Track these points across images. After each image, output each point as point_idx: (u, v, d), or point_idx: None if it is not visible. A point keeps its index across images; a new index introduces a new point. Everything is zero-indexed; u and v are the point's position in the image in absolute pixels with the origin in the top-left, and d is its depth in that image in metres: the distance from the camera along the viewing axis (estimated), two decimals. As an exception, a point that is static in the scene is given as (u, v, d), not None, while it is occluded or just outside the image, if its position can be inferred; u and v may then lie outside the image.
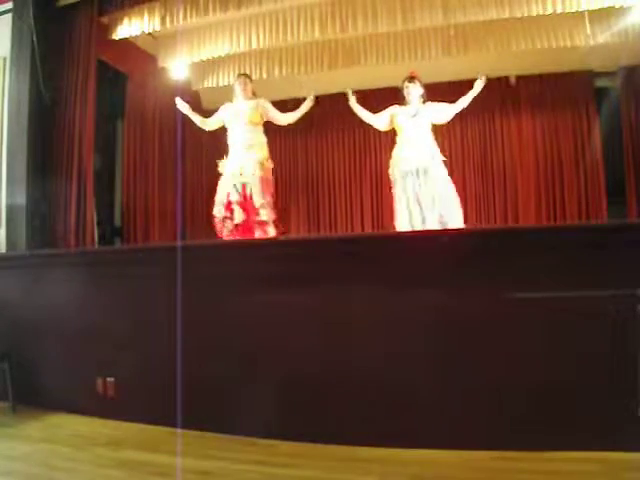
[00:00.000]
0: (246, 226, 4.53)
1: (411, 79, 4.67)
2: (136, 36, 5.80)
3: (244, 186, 4.53)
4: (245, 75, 4.90)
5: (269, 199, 4.59)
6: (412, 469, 2.61)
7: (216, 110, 4.84)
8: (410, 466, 2.64)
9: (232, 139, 4.67)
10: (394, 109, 4.68)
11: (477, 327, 2.83)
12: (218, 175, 4.73)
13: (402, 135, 4.62)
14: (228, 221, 4.55)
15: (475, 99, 4.75)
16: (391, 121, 4.69)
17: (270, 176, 4.70)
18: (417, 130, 4.57)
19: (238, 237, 4.52)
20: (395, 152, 4.65)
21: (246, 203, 4.52)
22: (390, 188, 4.73)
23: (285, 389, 3.12)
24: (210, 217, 4.78)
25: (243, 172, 4.53)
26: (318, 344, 3.09)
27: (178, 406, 3.11)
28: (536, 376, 2.72)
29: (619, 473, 2.40)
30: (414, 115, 4.58)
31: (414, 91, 4.63)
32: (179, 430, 3.16)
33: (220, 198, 4.62)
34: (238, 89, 4.73)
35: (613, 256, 2.70)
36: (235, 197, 4.51)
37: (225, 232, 4.60)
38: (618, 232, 2.89)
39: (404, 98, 4.67)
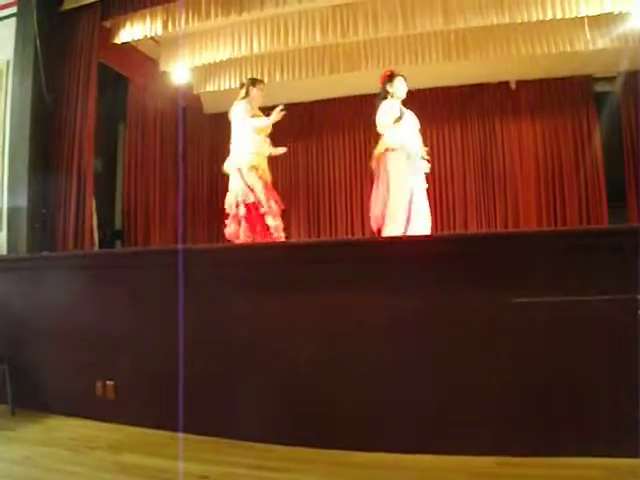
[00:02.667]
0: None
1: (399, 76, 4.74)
2: (138, 40, 5.83)
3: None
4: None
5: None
6: (412, 474, 2.60)
7: (220, 114, 4.78)
8: (410, 471, 2.63)
9: (244, 140, 4.64)
10: (397, 102, 4.70)
11: (477, 331, 2.82)
12: (218, 178, 4.73)
13: (403, 123, 4.63)
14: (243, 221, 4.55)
15: (475, 103, 4.77)
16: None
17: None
18: (414, 124, 4.68)
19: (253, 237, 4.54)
20: (400, 136, 4.59)
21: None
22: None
23: (283, 394, 3.12)
24: (211, 220, 4.79)
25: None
26: (316, 349, 3.09)
27: (179, 410, 3.12)
28: (539, 381, 2.72)
29: (622, 479, 2.40)
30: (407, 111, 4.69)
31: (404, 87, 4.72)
32: (180, 434, 3.17)
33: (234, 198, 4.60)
34: (259, 95, 4.73)
35: (612, 260, 2.70)
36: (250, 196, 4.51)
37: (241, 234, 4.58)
38: (618, 236, 2.89)
39: (388, 93, 4.70)
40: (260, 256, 3.46)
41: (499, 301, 2.79)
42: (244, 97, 4.72)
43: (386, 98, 4.70)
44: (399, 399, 2.90)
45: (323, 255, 3.25)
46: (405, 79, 4.73)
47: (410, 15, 5.36)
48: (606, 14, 5.04)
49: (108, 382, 3.58)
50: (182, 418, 3.14)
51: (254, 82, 4.79)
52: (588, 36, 5.50)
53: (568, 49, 5.68)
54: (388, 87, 4.70)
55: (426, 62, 6.16)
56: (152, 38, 6.06)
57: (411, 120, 4.71)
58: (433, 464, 2.69)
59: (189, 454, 2.93)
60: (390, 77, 4.73)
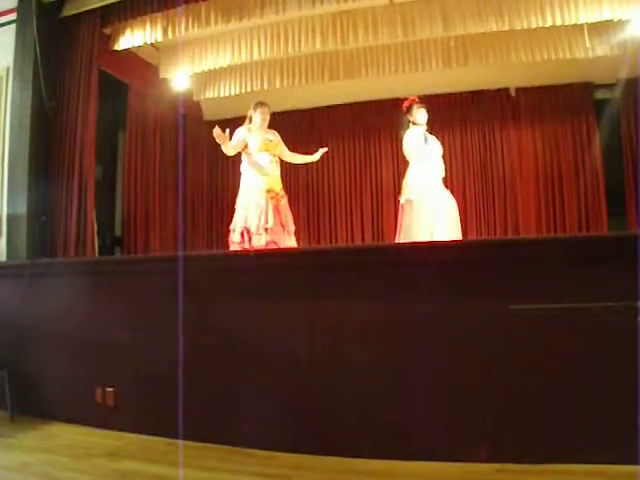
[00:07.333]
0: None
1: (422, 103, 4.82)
2: (138, 47, 5.81)
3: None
4: (267, 104, 4.84)
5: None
6: (413, 481, 2.59)
7: (220, 121, 4.79)
8: (410, 478, 2.62)
9: (252, 166, 4.68)
10: (421, 128, 4.79)
11: (478, 339, 2.82)
12: (219, 186, 4.74)
13: (429, 149, 4.75)
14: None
15: (474, 110, 4.80)
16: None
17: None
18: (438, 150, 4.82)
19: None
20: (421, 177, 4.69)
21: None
22: (389, 199, 4.75)
23: (286, 400, 3.11)
24: (211, 227, 4.79)
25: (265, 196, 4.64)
26: (319, 356, 3.08)
27: (179, 417, 3.10)
28: (540, 388, 2.70)
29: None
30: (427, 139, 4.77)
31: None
32: (180, 441, 3.15)
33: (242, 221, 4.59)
34: (260, 118, 4.69)
35: (612, 267, 2.69)
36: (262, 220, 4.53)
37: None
38: (617, 243, 2.89)
39: (409, 121, 4.82)
40: (260, 263, 3.45)
41: (499, 309, 2.78)
42: (249, 122, 4.75)
43: (409, 127, 4.81)
44: (401, 407, 2.89)
45: (324, 261, 3.25)
46: (424, 107, 4.79)
47: (410, 22, 5.38)
48: (606, 21, 5.05)
49: (108, 389, 3.56)
50: (182, 425, 3.12)
51: (255, 106, 4.77)
52: (588, 43, 5.53)
53: (568, 56, 5.70)
54: (409, 117, 4.81)
55: (426, 69, 6.18)
56: (152, 45, 6.07)
57: (435, 147, 4.79)
58: (433, 471, 2.67)
59: (190, 461, 2.91)
60: (409, 108, 4.82)
